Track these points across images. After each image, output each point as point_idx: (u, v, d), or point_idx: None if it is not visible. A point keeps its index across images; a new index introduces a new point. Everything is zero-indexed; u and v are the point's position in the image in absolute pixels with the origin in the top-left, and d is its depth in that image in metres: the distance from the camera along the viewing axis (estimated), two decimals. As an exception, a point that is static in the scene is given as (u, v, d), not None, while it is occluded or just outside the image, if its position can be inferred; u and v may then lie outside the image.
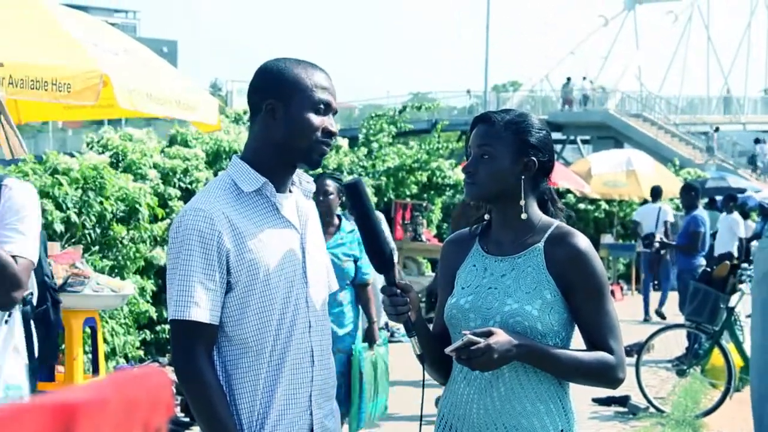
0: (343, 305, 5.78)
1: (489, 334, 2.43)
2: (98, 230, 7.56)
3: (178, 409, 6.64)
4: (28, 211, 3.09)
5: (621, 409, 8.26)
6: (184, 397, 4.59)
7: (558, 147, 40.59)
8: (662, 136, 40.11)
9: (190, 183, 9.60)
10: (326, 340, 2.61)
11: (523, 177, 2.60)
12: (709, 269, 8.94)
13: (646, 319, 14.26)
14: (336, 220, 5.85)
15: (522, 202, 2.60)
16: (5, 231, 3.03)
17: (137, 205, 7.83)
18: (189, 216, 2.45)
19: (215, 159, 11.03)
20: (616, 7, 59.58)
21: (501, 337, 2.43)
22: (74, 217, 7.26)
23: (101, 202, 7.48)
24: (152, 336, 8.57)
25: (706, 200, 18.16)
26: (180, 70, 7.87)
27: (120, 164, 9.26)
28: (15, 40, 5.36)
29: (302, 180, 2.67)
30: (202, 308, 2.41)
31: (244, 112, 16.13)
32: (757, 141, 39.08)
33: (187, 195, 9.24)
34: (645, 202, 19.39)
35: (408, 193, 15.53)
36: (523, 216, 2.61)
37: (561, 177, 16.68)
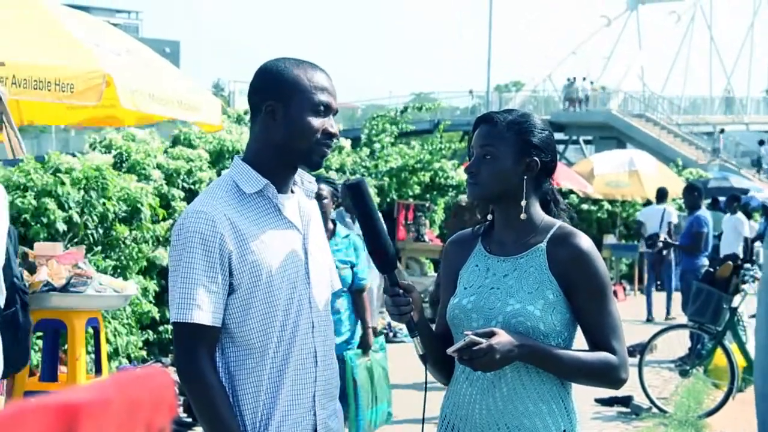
0: (341, 312, 5.73)
1: (491, 334, 2.43)
2: (101, 230, 7.57)
3: (181, 409, 6.64)
4: None
5: (624, 409, 8.26)
6: (186, 398, 4.59)
7: (560, 147, 40.55)
8: (665, 136, 40.12)
9: (193, 183, 9.61)
10: (329, 340, 2.61)
11: (525, 177, 2.60)
12: (712, 269, 8.93)
13: (649, 320, 14.26)
14: (330, 225, 5.81)
15: (524, 203, 2.60)
16: None
17: (139, 206, 7.84)
18: (191, 218, 2.45)
19: (218, 158, 11.05)
20: (618, 7, 59.60)
21: (503, 338, 2.43)
22: (76, 217, 7.27)
23: (104, 203, 7.49)
24: (155, 336, 8.58)
25: (708, 200, 18.14)
26: (182, 70, 7.85)
27: (124, 164, 9.28)
28: (17, 40, 5.36)
29: (304, 180, 2.67)
30: (204, 311, 2.41)
31: (246, 113, 16.14)
32: (761, 143, 39.05)
33: (190, 196, 9.25)
34: (648, 202, 19.40)
35: (411, 193, 15.53)
36: (523, 216, 2.60)
37: (564, 177, 16.69)
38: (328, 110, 2.53)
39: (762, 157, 38.73)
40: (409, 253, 14.51)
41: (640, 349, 8.87)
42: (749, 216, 19.04)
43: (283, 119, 2.50)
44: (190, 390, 2.45)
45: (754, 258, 13.29)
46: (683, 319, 10.12)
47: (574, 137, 44.62)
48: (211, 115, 6.42)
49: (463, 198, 7.42)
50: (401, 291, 2.53)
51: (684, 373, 8.81)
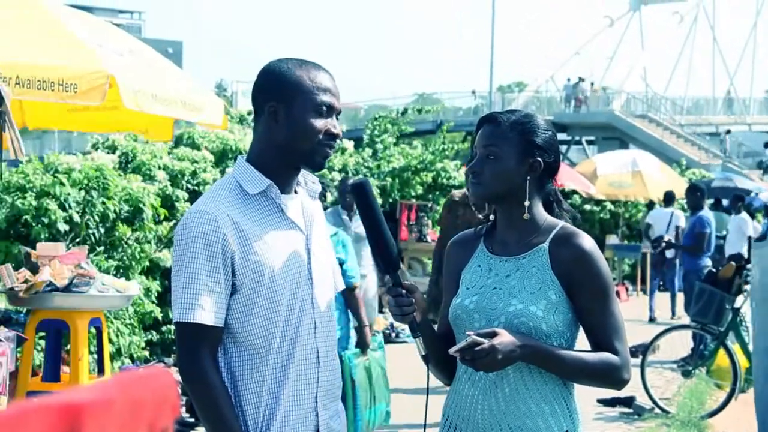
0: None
1: (493, 334, 2.43)
2: (102, 230, 7.57)
3: (184, 409, 6.64)
4: None
5: (626, 409, 8.25)
6: (189, 398, 4.59)
7: (563, 148, 40.54)
8: (668, 136, 40.09)
9: (197, 185, 9.61)
10: (331, 340, 2.61)
11: (528, 177, 2.60)
12: (714, 270, 8.92)
13: (652, 319, 14.26)
14: None
15: (527, 203, 2.60)
16: None
17: (141, 206, 7.84)
18: (193, 218, 2.45)
19: (221, 159, 11.06)
20: (621, 7, 59.54)
21: (505, 338, 2.43)
22: (76, 217, 7.27)
23: (103, 202, 7.49)
24: (158, 337, 8.58)
25: (711, 201, 18.13)
26: (185, 70, 7.87)
27: (129, 165, 9.29)
28: (21, 41, 5.37)
29: (308, 181, 2.67)
30: (206, 311, 2.42)
31: (249, 113, 16.15)
32: (766, 145, 38.98)
33: (194, 197, 9.25)
34: (651, 203, 19.39)
35: (413, 193, 15.52)
36: (525, 216, 2.61)
37: (566, 178, 16.67)
38: (330, 111, 2.53)
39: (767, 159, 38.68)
40: (411, 253, 14.52)
41: (642, 350, 8.87)
42: (752, 216, 19.01)
43: (286, 120, 2.50)
44: (192, 390, 2.45)
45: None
46: (687, 319, 10.11)
47: (577, 138, 44.59)
48: (213, 116, 6.42)
49: (456, 193, 7.33)
50: (404, 291, 2.53)
51: (686, 374, 8.81)
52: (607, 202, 20.56)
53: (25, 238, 7.10)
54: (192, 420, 6.65)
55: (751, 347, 8.19)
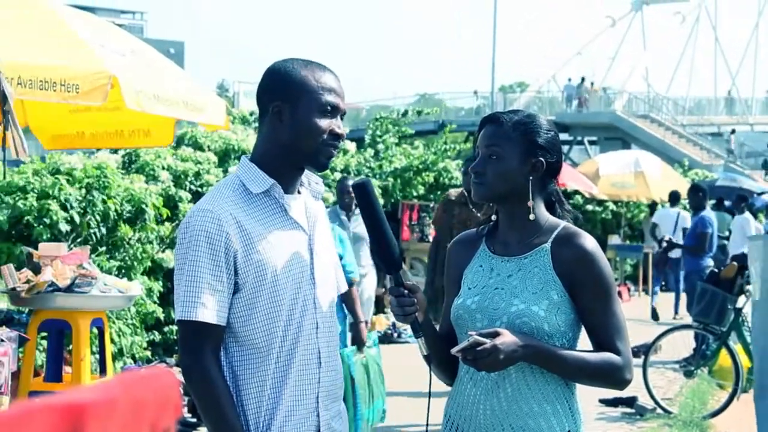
0: None
1: (495, 334, 2.43)
2: (104, 231, 7.57)
3: (186, 409, 6.64)
4: None
5: (628, 410, 8.25)
6: (191, 398, 4.59)
7: (565, 148, 40.56)
8: (669, 137, 40.08)
9: (201, 186, 9.62)
10: (333, 341, 2.61)
11: (530, 178, 2.60)
12: (716, 270, 8.92)
13: (655, 317, 14.25)
14: None
15: (530, 203, 2.60)
16: None
17: (143, 206, 7.84)
18: (197, 217, 2.45)
19: (224, 159, 11.06)
20: (623, 7, 59.52)
21: (507, 338, 2.43)
22: (77, 217, 7.27)
23: (104, 201, 7.49)
24: (160, 337, 8.58)
25: (713, 201, 18.12)
26: (187, 71, 7.87)
27: (132, 165, 9.30)
28: (23, 41, 5.37)
29: (311, 181, 2.67)
30: (209, 309, 2.42)
31: (251, 114, 16.17)
32: None
33: (197, 198, 9.26)
34: (653, 203, 19.39)
35: (415, 194, 15.52)
36: (531, 217, 2.61)
37: (569, 178, 16.68)
38: (335, 111, 2.53)
39: None
40: (413, 253, 14.53)
41: (644, 350, 8.86)
42: (754, 216, 19.00)
43: (290, 120, 2.50)
44: (194, 388, 2.45)
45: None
46: (689, 319, 10.11)
47: (579, 138, 44.59)
48: (215, 116, 6.42)
49: (452, 192, 7.30)
50: (406, 291, 2.53)
51: (688, 374, 8.81)
52: (609, 203, 20.55)
53: (27, 239, 7.11)
54: (194, 420, 6.65)
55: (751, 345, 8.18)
